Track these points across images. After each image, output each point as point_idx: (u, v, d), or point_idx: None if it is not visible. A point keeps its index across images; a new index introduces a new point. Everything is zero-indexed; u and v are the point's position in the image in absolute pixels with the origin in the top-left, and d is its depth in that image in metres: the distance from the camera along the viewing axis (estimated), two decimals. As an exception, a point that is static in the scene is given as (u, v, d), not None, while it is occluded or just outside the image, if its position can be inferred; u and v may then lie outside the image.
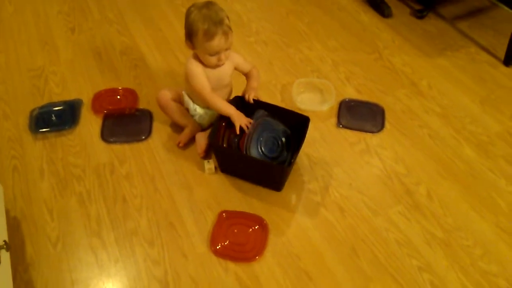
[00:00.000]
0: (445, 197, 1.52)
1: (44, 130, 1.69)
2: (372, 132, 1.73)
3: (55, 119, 1.73)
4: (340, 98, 1.85)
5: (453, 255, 1.37)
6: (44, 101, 1.80)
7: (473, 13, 2.36)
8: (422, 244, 1.39)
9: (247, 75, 1.62)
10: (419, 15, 2.31)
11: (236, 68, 1.60)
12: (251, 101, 1.54)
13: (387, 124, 1.76)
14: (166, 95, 1.62)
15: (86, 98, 1.82)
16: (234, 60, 1.57)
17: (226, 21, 1.42)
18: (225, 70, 1.55)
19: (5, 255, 1.15)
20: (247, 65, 1.61)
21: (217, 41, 1.40)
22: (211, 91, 1.52)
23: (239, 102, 1.58)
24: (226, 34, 1.41)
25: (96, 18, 2.26)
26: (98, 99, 1.81)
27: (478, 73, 1.99)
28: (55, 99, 1.81)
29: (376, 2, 2.36)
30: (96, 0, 2.38)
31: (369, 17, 2.32)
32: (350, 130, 1.73)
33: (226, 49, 1.46)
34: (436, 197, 1.52)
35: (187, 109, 1.66)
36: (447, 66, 2.03)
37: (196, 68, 1.50)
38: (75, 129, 1.71)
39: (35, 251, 1.36)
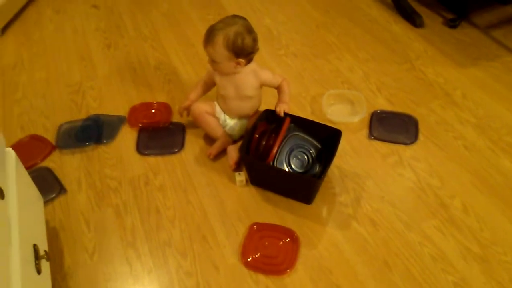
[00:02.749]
0: (481, 210, 1.48)
1: (82, 143, 1.75)
2: (405, 144, 1.71)
3: (94, 132, 1.79)
4: (372, 110, 1.83)
5: (491, 271, 1.33)
6: (82, 115, 1.87)
7: (508, 21, 2.30)
8: (457, 259, 1.36)
9: (277, 89, 1.64)
10: (452, 24, 2.27)
11: (264, 84, 1.62)
12: (282, 114, 1.55)
13: (420, 136, 1.73)
14: (201, 107, 1.66)
15: (122, 112, 1.88)
16: (261, 77, 1.59)
17: (217, 37, 1.45)
18: (244, 81, 1.57)
19: (45, 265, 1.20)
20: (276, 79, 1.63)
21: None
22: (200, 81, 1.72)
23: (270, 115, 1.59)
24: (205, 42, 1.49)
25: (131, 35, 2.33)
26: (134, 113, 1.87)
27: (515, 83, 1.94)
28: (93, 113, 1.87)
29: (407, 12, 2.34)
30: (131, 17, 2.46)
31: (400, 27, 2.31)
32: (382, 142, 1.72)
33: (210, 59, 1.52)
34: (472, 211, 1.48)
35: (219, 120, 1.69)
36: (481, 75, 1.98)
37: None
38: (112, 142, 1.76)
39: (72, 261, 1.41)
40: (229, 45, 1.45)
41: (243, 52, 1.48)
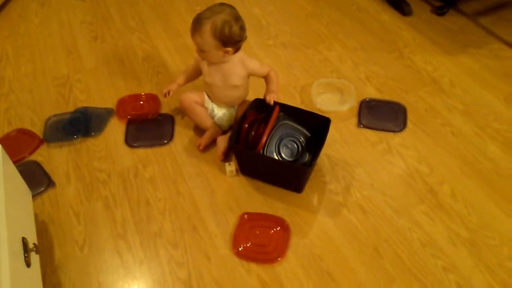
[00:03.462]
0: (469, 196, 1.49)
1: (70, 136, 1.74)
2: (394, 131, 1.71)
3: (82, 125, 1.77)
4: (361, 98, 1.84)
5: (479, 255, 1.34)
6: (69, 108, 1.85)
7: (495, 8, 2.32)
8: (446, 244, 1.37)
9: (265, 79, 1.64)
10: (440, 12, 2.28)
11: (252, 74, 1.62)
12: (271, 102, 1.55)
13: (409, 123, 1.74)
14: (190, 97, 1.65)
15: (110, 105, 1.86)
16: (248, 66, 1.58)
17: (204, 26, 1.44)
18: (231, 69, 1.57)
19: (35, 258, 1.19)
20: (264, 69, 1.62)
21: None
22: (188, 66, 1.73)
23: (259, 105, 1.59)
24: (192, 31, 1.48)
25: (118, 27, 2.31)
26: (122, 105, 1.85)
27: (502, 70, 1.95)
28: (80, 106, 1.85)
29: (396, 0, 2.34)
30: (118, 9, 2.43)
31: (389, 16, 2.31)
32: (371, 130, 1.72)
33: (198, 48, 1.51)
34: (460, 196, 1.49)
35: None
36: (469, 63, 1.99)
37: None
38: (100, 135, 1.75)
39: (62, 254, 1.40)
40: (217, 34, 1.44)
41: (231, 40, 1.47)
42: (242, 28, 1.49)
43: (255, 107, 1.59)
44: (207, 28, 1.44)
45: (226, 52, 1.50)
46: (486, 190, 1.51)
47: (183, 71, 1.75)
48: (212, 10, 1.46)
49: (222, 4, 1.48)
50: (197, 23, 1.46)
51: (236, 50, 1.53)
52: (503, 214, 1.44)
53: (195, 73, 1.71)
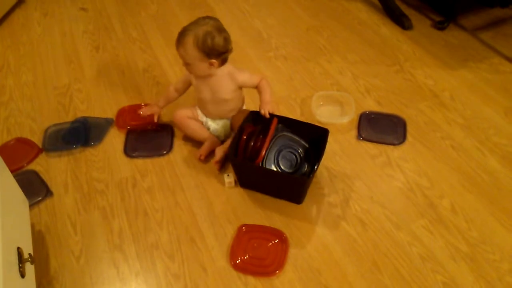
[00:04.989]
0: (469, 210, 1.48)
1: (69, 146, 1.74)
2: (394, 144, 1.71)
3: (81, 135, 1.77)
4: (360, 111, 1.84)
5: (479, 270, 1.33)
6: (69, 117, 1.85)
7: (495, 23, 2.33)
8: (446, 259, 1.36)
9: (257, 89, 1.61)
10: (440, 26, 2.29)
11: (243, 86, 1.61)
12: (267, 115, 1.54)
13: (408, 136, 1.74)
14: (181, 113, 1.66)
15: (110, 115, 1.86)
16: (238, 79, 1.57)
17: (187, 38, 1.43)
18: (220, 84, 1.56)
19: (30, 268, 1.18)
20: (254, 79, 1.60)
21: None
22: (168, 87, 1.71)
23: (256, 117, 1.58)
24: (176, 44, 1.48)
25: (120, 37, 2.32)
26: (122, 115, 1.85)
27: (502, 84, 1.95)
28: (80, 115, 1.85)
29: (395, 14, 2.35)
30: (120, 19, 2.45)
31: (389, 29, 2.32)
32: (370, 142, 1.72)
33: (184, 62, 1.51)
34: (460, 210, 1.48)
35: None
36: (469, 77, 2.00)
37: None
38: (100, 145, 1.74)
39: (58, 264, 1.38)
40: (199, 45, 1.43)
41: (213, 52, 1.46)
42: (226, 40, 1.47)
43: (251, 120, 1.58)
44: (189, 39, 1.43)
45: (211, 64, 1.48)
46: (486, 205, 1.50)
47: (163, 94, 1.76)
48: (196, 22, 1.46)
49: (206, 17, 1.48)
50: (180, 36, 1.46)
51: (222, 62, 1.52)
52: (503, 229, 1.43)
53: (186, 86, 1.69)
